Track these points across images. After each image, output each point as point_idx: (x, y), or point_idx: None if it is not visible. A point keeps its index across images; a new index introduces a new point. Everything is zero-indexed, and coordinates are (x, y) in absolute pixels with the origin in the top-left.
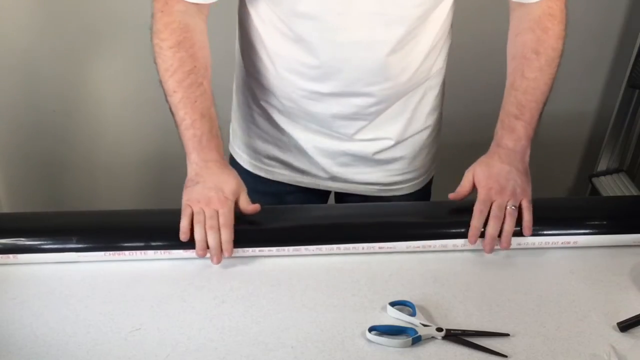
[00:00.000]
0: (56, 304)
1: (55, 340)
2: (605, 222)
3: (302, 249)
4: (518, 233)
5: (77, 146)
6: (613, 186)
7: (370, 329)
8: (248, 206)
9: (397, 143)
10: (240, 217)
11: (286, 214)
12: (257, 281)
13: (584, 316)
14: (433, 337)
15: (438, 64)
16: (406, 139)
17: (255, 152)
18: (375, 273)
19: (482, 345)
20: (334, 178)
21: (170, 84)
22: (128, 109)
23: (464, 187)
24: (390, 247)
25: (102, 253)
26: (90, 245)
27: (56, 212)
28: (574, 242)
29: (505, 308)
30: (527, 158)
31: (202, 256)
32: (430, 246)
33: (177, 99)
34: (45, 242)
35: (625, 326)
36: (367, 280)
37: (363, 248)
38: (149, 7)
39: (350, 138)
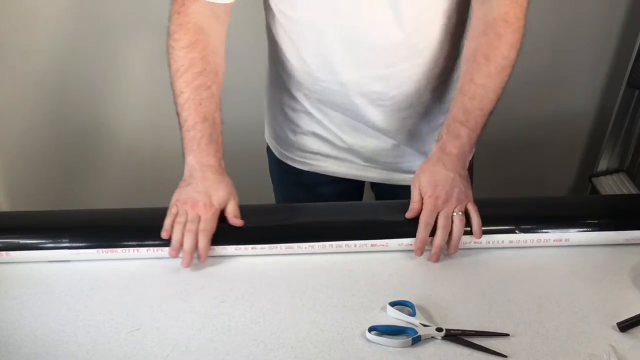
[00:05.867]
0: (56, 304)
1: (55, 340)
2: (604, 220)
3: (295, 246)
4: (468, 232)
5: (77, 147)
6: (613, 186)
7: (370, 329)
8: (233, 217)
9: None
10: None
11: (284, 213)
12: (257, 281)
13: (583, 316)
14: (433, 337)
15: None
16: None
17: (286, 144)
18: (375, 273)
19: (482, 345)
20: (368, 165)
21: (179, 84)
22: (127, 109)
23: (416, 202)
24: (383, 245)
25: (94, 251)
26: (83, 243)
27: (49, 210)
28: (573, 240)
29: (505, 308)
30: (467, 164)
31: (174, 257)
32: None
33: (183, 99)
34: (37, 240)
35: (625, 326)
36: (367, 280)
37: (355, 246)
38: (156, 6)
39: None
